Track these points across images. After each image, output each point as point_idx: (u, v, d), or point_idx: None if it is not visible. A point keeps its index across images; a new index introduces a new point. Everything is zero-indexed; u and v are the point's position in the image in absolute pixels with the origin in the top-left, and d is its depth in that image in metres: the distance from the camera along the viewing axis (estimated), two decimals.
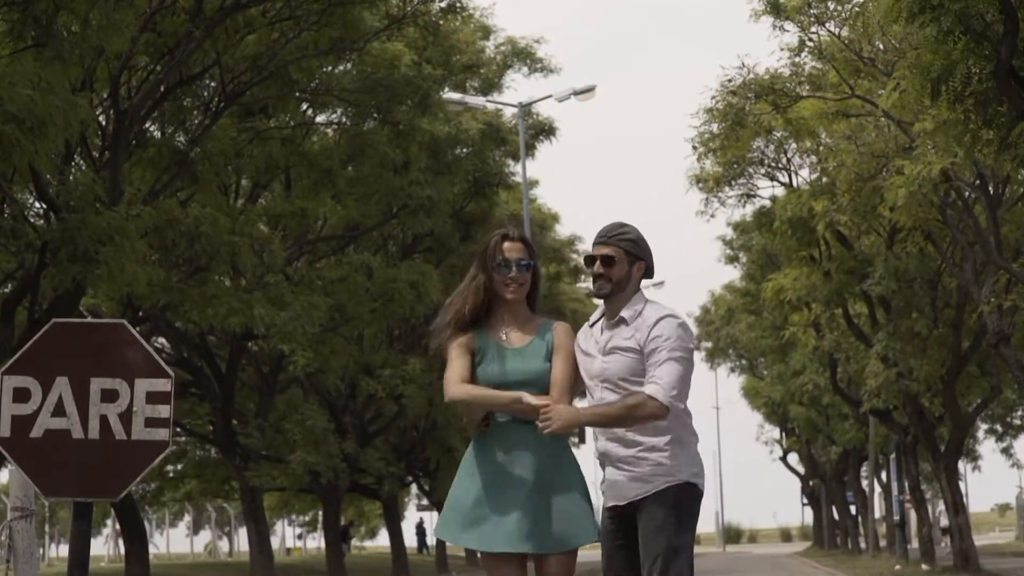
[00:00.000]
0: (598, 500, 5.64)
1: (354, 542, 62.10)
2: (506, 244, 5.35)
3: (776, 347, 35.56)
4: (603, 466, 5.40)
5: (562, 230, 38.73)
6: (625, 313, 5.26)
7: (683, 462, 5.25)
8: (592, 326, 5.39)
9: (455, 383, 5.23)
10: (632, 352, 5.21)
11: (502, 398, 5.18)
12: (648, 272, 5.35)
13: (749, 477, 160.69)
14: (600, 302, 5.41)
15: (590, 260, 5.30)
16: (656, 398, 5.11)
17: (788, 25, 18.89)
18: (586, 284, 43.16)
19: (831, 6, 18.55)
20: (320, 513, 42.36)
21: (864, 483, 42.05)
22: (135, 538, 22.02)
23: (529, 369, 5.25)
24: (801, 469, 54.04)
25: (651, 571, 5.13)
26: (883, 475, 40.05)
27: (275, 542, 57.18)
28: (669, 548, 5.14)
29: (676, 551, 5.16)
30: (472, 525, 5.19)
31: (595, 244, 5.32)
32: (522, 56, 27.60)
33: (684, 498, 5.21)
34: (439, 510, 45.14)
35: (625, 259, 5.27)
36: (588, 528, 5.25)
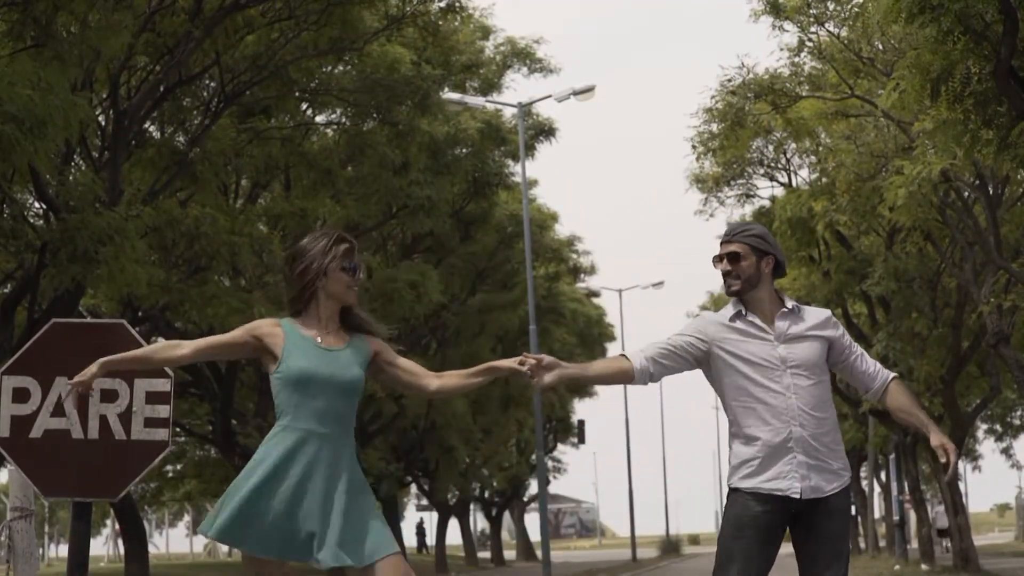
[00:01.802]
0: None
1: None
2: (348, 247, 4.91)
3: None
4: (773, 454, 5.04)
5: (561, 230, 38.78)
6: (789, 304, 5.18)
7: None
8: (734, 320, 5.14)
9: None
10: (820, 340, 5.15)
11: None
12: (778, 267, 5.20)
13: None
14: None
15: (717, 259, 5.17)
16: (896, 376, 5.25)
17: (788, 25, 18.90)
18: (585, 284, 43.23)
19: (831, 6, 18.54)
20: None
21: (863, 483, 42.03)
22: (134, 538, 22.00)
23: (345, 375, 4.80)
24: None
25: (837, 573, 4.97)
26: (882, 475, 40.02)
27: None
28: (847, 549, 5.09)
29: (849, 551, 5.15)
30: (260, 527, 4.59)
31: (721, 244, 5.20)
32: (522, 56, 27.58)
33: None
34: (439, 510, 45.23)
35: (752, 254, 5.14)
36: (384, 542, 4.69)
